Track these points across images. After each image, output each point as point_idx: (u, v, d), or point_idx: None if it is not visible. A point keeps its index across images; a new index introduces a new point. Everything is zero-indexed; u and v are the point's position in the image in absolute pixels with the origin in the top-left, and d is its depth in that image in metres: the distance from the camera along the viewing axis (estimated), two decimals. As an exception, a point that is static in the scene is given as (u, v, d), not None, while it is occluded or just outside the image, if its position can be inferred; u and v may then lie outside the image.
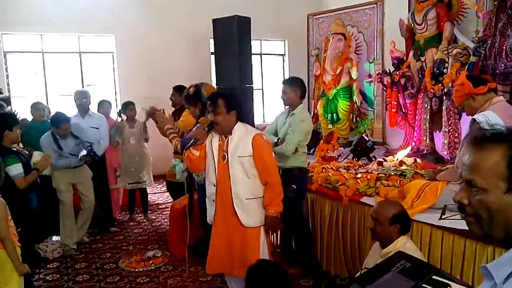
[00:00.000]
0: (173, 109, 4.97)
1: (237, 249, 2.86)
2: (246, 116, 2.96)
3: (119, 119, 5.39)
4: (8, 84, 6.92)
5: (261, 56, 8.90)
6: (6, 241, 2.68)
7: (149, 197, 5.86)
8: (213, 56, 7.01)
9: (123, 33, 7.38)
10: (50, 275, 3.93)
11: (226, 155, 2.81)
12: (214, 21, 6.38)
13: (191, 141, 2.84)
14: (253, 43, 6.66)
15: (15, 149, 3.44)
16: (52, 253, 4.32)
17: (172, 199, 5.32)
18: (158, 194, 6.62)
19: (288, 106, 3.74)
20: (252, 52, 6.66)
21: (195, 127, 3.87)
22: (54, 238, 4.52)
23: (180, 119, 4.54)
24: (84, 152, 4.34)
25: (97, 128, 4.81)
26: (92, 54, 7.59)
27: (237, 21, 6.05)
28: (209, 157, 2.87)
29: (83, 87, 7.28)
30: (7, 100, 4.61)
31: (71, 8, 6.90)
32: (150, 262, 4.09)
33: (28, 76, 7.21)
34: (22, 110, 5.77)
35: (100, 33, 7.43)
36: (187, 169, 4.26)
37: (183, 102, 3.98)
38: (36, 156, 3.91)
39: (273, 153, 2.97)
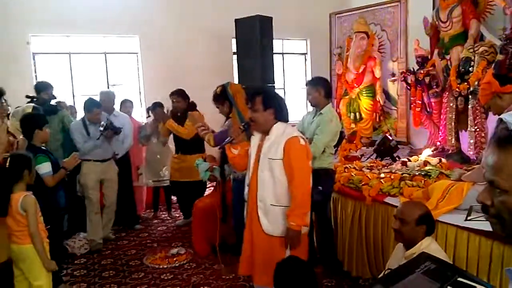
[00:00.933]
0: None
1: (259, 255, 2.73)
2: (286, 115, 2.78)
3: (147, 117, 5.50)
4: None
5: (283, 56, 8.89)
6: (35, 237, 2.77)
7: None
8: (235, 56, 7.04)
9: (147, 34, 7.49)
10: (77, 271, 4.04)
11: (260, 155, 2.72)
12: (236, 21, 6.42)
13: (227, 140, 2.84)
14: (275, 42, 6.67)
15: (44, 147, 3.54)
16: (79, 249, 4.43)
17: (177, 200, 5.45)
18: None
19: (314, 107, 3.70)
20: (274, 51, 6.67)
21: (227, 121, 3.97)
22: (82, 234, 4.63)
23: (184, 126, 4.67)
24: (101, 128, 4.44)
25: (121, 127, 4.91)
26: (117, 54, 7.73)
27: (259, 21, 6.08)
28: (250, 156, 2.81)
29: (108, 87, 7.43)
30: (55, 108, 4.72)
31: (97, 9, 7.04)
32: (174, 259, 4.16)
33: (55, 77, 7.39)
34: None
35: (124, 34, 7.56)
36: (211, 168, 4.34)
37: (213, 103, 4.07)
38: None
39: (308, 163, 2.71)
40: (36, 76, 7.10)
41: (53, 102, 4.69)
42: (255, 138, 2.80)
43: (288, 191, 2.65)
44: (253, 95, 2.75)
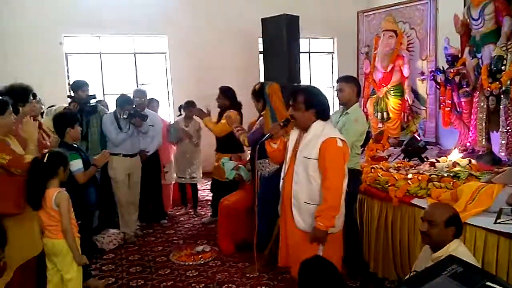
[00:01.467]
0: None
1: (293, 249, 2.80)
2: (327, 115, 2.79)
3: (178, 115, 5.61)
4: (68, 84, 7.33)
5: (309, 55, 8.86)
6: (67, 232, 2.86)
7: (199, 193, 6.02)
8: (261, 55, 7.07)
9: (175, 34, 7.61)
10: (106, 266, 4.14)
11: (296, 151, 2.78)
12: (263, 20, 6.44)
13: (266, 135, 2.91)
14: (301, 41, 6.65)
15: (75, 145, 3.64)
16: (108, 244, 4.54)
17: (212, 197, 5.49)
18: (208, 191, 6.76)
19: (342, 106, 3.65)
20: (300, 50, 6.66)
21: (258, 121, 4.02)
22: (111, 230, 4.75)
23: (220, 122, 4.73)
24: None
25: (152, 126, 5.01)
26: (146, 54, 7.89)
27: (286, 20, 6.08)
28: (287, 149, 2.87)
29: (137, 86, 7.59)
30: (95, 108, 4.81)
31: (127, 10, 7.19)
32: (199, 256, 4.21)
33: (86, 76, 7.59)
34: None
35: (153, 34, 7.70)
36: (237, 167, 4.39)
37: (252, 97, 4.12)
38: None
39: (344, 165, 2.70)
40: (68, 75, 7.31)
41: (93, 101, 4.80)
42: (294, 133, 2.86)
43: (321, 190, 2.67)
44: (295, 93, 2.77)
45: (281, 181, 2.88)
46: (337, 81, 3.67)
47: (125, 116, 4.55)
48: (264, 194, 3.56)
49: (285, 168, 2.85)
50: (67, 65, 7.29)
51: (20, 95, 3.38)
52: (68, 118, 3.60)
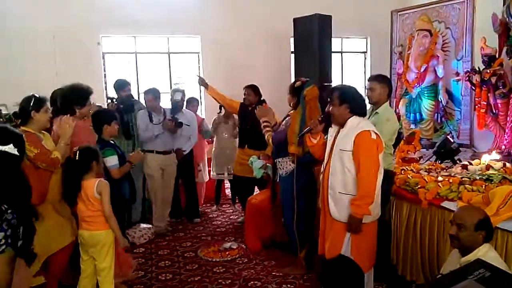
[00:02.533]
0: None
1: (328, 238, 2.99)
2: (362, 110, 2.95)
3: (218, 112, 5.73)
4: (105, 83, 7.57)
5: (341, 54, 8.79)
6: (111, 218, 2.97)
7: (227, 191, 6.08)
8: (293, 55, 7.07)
9: (208, 34, 7.73)
10: (136, 259, 4.25)
11: (334, 146, 2.94)
12: (295, 20, 6.45)
13: (306, 129, 3.10)
14: (333, 40, 6.62)
15: (112, 142, 3.77)
16: (139, 239, 4.67)
17: (230, 194, 5.59)
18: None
19: (372, 105, 3.58)
20: (333, 50, 6.62)
21: (284, 121, 4.00)
22: (142, 225, 4.89)
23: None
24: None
25: (188, 125, 5.11)
26: (180, 54, 8.04)
27: (318, 19, 6.08)
28: (327, 145, 3.05)
29: (171, 86, 7.76)
30: (131, 105, 4.94)
31: (161, 11, 7.36)
32: (227, 253, 4.27)
33: (122, 75, 7.81)
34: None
35: (187, 34, 7.84)
36: (265, 166, 4.41)
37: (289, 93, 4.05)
38: None
39: (377, 156, 2.83)
40: (105, 74, 7.56)
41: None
42: (332, 130, 3.02)
43: (355, 181, 2.82)
44: (332, 91, 2.99)
45: (321, 175, 3.05)
46: (369, 80, 3.63)
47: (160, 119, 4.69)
48: (283, 193, 3.60)
49: (324, 163, 3.02)
50: (104, 64, 7.53)
51: (80, 97, 3.54)
52: (105, 115, 3.73)
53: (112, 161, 3.54)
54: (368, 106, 3.58)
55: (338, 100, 2.89)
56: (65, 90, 3.56)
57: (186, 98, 5.52)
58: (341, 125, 2.92)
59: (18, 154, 2.04)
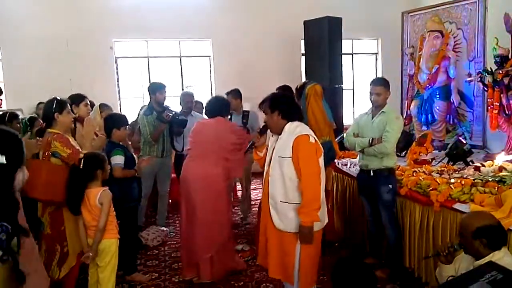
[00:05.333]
0: None
1: (272, 249, 2.86)
2: (295, 115, 2.88)
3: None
4: (118, 86, 7.68)
5: (352, 56, 8.79)
6: (100, 231, 2.95)
7: (238, 193, 6.12)
8: (303, 57, 7.09)
9: (219, 38, 7.79)
10: (150, 261, 4.32)
11: (272, 154, 2.88)
12: (305, 22, 6.47)
13: (250, 143, 3.12)
14: (344, 42, 6.62)
15: (122, 144, 3.83)
16: (152, 241, 4.73)
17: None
18: (257, 191, 6.83)
19: (373, 107, 3.71)
20: (343, 51, 6.63)
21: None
22: (155, 227, 4.94)
23: None
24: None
25: (179, 115, 5.15)
26: (191, 58, 8.12)
27: (328, 22, 6.09)
28: (266, 155, 2.98)
29: (182, 89, 7.84)
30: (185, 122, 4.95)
31: (173, 16, 7.45)
32: (239, 255, 4.30)
33: (134, 79, 7.92)
34: (130, 110, 6.40)
35: (198, 38, 7.92)
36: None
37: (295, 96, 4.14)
38: None
39: (317, 160, 2.75)
40: (118, 78, 7.66)
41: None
42: (272, 139, 2.95)
43: (297, 188, 2.74)
44: (263, 101, 2.94)
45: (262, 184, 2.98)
46: (373, 84, 3.67)
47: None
48: None
49: (264, 171, 2.93)
50: (116, 68, 7.63)
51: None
52: (116, 120, 3.80)
53: (117, 160, 3.59)
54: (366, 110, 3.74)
55: (269, 108, 2.85)
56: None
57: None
58: (279, 133, 2.85)
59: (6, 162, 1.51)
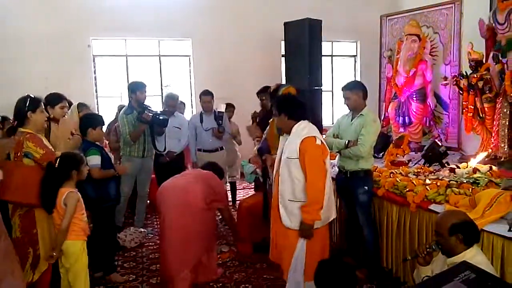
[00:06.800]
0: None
1: (280, 246, 3.06)
2: (302, 114, 3.02)
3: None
4: (95, 85, 7.56)
5: (332, 58, 8.86)
6: (62, 232, 2.87)
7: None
8: (284, 59, 7.11)
9: (199, 37, 7.75)
10: (127, 263, 4.27)
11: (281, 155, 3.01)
12: (286, 24, 6.49)
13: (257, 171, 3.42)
14: (324, 44, 6.67)
15: (98, 144, 3.77)
16: (130, 242, 4.67)
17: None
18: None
19: (350, 110, 3.76)
20: (323, 53, 6.67)
21: (266, 129, 4.13)
22: (132, 228, 4.88)
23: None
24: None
25: (179, 128, 5.14)
26: (171, 57, 8.05)
27: (308, 24, 6.11)
28: (277, 155, 3.12)
29: (161, 89, 7.77)
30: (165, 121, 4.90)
31: (152, 14, 7.38)
32: (218, 256, 4.27)
33: (112, 78, 7.81)
34: (107, 109, 6.31)
35: (178, 38, 7.86)
36: (255, 170, 4.46)
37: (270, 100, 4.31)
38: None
39: (323, 161, 2.92)
40: (95, 77, 7.54)
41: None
42: (282, 140, 3.08)
43: (303, 187, 2.89)
44: (274, 103, 3.13)
45: (273, 183, 3.13)
46: (342, 89, 3.73)
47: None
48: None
49: (274, 172, 3.10)
50: (94, 67, 7.51)
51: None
52: (91, 120, 3.75)
53: (94, 160, 3.55)
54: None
55: (277, 110, 3.02)
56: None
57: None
58: (289, 133, 3.00)
59: None
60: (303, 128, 2.94)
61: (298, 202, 2.92)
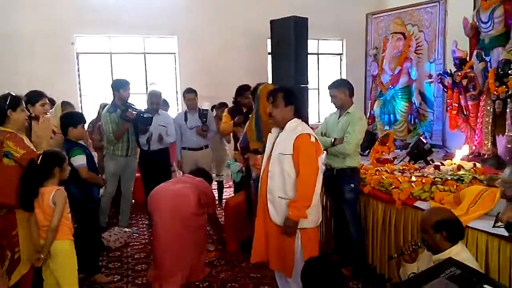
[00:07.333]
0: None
1: (272, 242, 2.91)
2: (303, 114, 2.95)
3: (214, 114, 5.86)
4: (79, 83, 7.44)
5: (318, 56, 8.88)
6: (52, 231, 2.79)
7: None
8: (270, 56, 7.11)
9: (185, 35, 7.68)
10: (112, 263, 4.20)
11: (272, 150, 2.90)
12: (272, 22, 6.48)
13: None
14: (310, 42, 6.68)
15: (81, 143, 3.70)
16: (114, 242, 4.60)
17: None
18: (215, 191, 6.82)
19: (337, 108, 3.76)
20: (309, 52, 6.68)
21: (246, 126, 4.12)
22: (117, 228, 4.82)
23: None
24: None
25: (165, 126, 5.08)
26: (156, 55, 7.97)
27: (294, 22, 6.12)
28: (266, 150, 3.01)
29: (146, 86, 7.69)
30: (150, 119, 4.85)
31: (137, 11, 7.28)
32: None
33: (97, 76, 7.70)
34: (91, 108, 6.22)
35: (163, 35, 7.78)
36: (242, 169, 4.44)
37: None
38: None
39: (316, 159, 2.83)
40: (79, 75, 7.42)
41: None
42: (272, 134, 2.98)
43: (295, 185, 2.80)
44: (275, 92, 2.93)
45: (259, 180, 3.00)
46: (328, 88, 3.73)
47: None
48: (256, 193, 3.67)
49: (262, 168, 2.98)
50: (78, 65, 7.39)
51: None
52: (71, 118, 3.65)
53: (80, 160, 3.48)
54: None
55: (284, 101, 2.85)
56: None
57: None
58: (281, 127, 2.89)
59: None
60: (297, 125, 2.85)
61: (288, 199, 2.81)
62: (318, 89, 8.93)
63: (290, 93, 2.92)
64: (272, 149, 2.91)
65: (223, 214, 4.65)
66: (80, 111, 6.18)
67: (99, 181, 3.71)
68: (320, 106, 8.94)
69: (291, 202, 2.77)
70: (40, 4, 6.85)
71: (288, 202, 2.79)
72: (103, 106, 5.34)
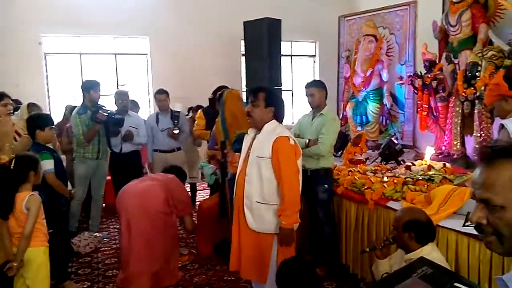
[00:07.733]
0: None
1: (246, 250, 2.79)
2: (282, 117, 2.84)
3: (186, 114, 5.83)
4: (47, 84, 7.23)
5: (291, 58, 8.91)
6: (26, 238, 2.69)
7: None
8: (243, 58, 7.08)
9: (157, 35, 7.58)
10: (82, 269, 4.08)
11: (249, 152, 2.78)
12: (245, 23, 6.46)
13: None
14: (283, 44, 6.70)
15: (48, 146, 3.59)
16: (84, 247, 4.48)
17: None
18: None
19: (313, 109, 3.77)
20: (283, 53, 6.70)
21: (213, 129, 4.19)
22: (86, 233, 4.69)
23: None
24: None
25: (136, 128, 4.99)
26: (127, 55, 7.82)
27: (267, 23, 6.12)
28: (241, 153, 2.89)
29: (118, 87, 7.53)
30: (121, 121, 4.73)
31: (108, 11, 7.13)
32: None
33: (66, 77, 7.50)
34: (60, 109, 6.04)
35: (135, 35, 7.65)
36: (215, 172, 4.40)
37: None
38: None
39: (296, 161, 2.73)
40: (47, 75, 7.21)
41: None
42: (249, 136, 2.87)
43: (274, 189, 2.69)
44: (257, 90, 2.80)
45: (235, 182, 2.88)
46: (307, 87, 3.74)
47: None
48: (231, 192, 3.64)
49: (238, 171, 2.85)
50: (45, 65, 7.18)
51: None
52: (38, 121, 3.53)
53: (48, 165, 3.37)
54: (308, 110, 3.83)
55: (264, 102, 2.72)
56: None
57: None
58: (259, 128, 2.76)
59: None
60: (275, 127, 2.74)
61: (267, 204, 2.69)
62: (292, 90, 8.97)
63: (272, 95, 2.82)
64: (248, 151, 2.81)
65: (197, 216, 4.57)
66: (48, 113, 5.99)
67: (65, 193, 3.58)
68: (294, 107, 8.98)
69: (280, 210, 2.65)
70: (5, 2, 6.61)
71: (277, 210, 2.67)
72: (69, 108, 5.21)
